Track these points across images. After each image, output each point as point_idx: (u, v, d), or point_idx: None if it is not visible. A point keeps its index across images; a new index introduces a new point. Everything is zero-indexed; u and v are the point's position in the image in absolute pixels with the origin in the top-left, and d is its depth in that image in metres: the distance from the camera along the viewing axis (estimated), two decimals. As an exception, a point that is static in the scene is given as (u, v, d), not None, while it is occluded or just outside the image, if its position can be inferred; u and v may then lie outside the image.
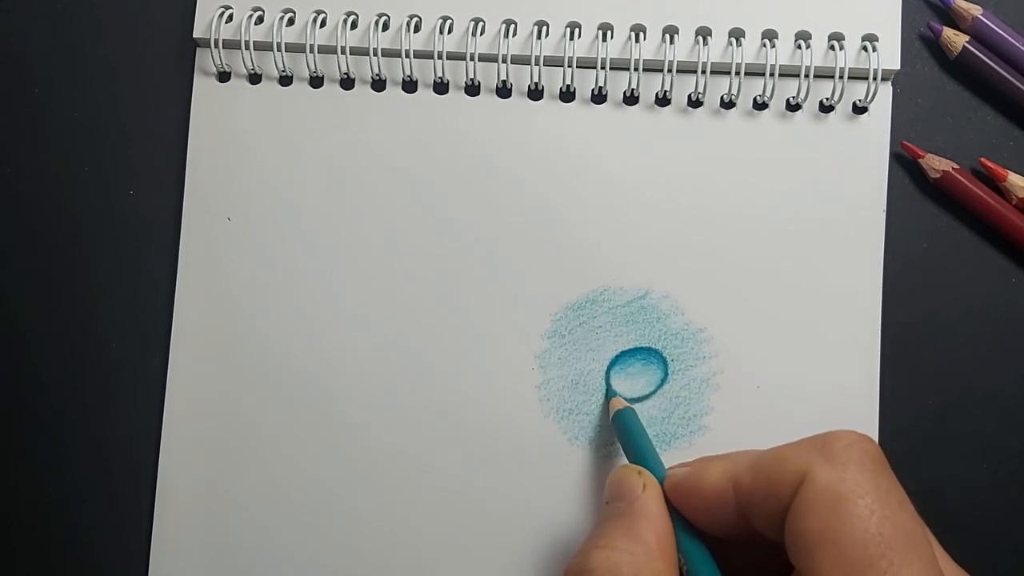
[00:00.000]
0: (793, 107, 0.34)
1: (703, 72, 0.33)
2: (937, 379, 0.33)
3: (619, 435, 0.31)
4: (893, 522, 0.22)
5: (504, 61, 0.33)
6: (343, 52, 0.34)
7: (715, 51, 0.33)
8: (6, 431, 0.35)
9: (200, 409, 0.34)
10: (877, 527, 0.21)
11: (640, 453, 0.29)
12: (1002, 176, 0.33)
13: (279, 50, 0.34)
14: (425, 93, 0.34)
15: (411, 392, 0.34)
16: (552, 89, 0.34)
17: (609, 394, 0.33)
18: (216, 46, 0.34)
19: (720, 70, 0.33)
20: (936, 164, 0.33)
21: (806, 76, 0.33)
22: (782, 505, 0.23)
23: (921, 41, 0.34)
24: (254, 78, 0.35)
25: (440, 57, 0.33)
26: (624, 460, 0.33)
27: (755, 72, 0.33)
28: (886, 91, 0.34)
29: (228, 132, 0.34)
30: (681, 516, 0.26)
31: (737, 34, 0.33)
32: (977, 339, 0.33)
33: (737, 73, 0.33)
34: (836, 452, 0.23)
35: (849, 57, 0.33)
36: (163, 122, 0.35)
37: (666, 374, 0.33)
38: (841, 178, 0.33)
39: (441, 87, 0.34)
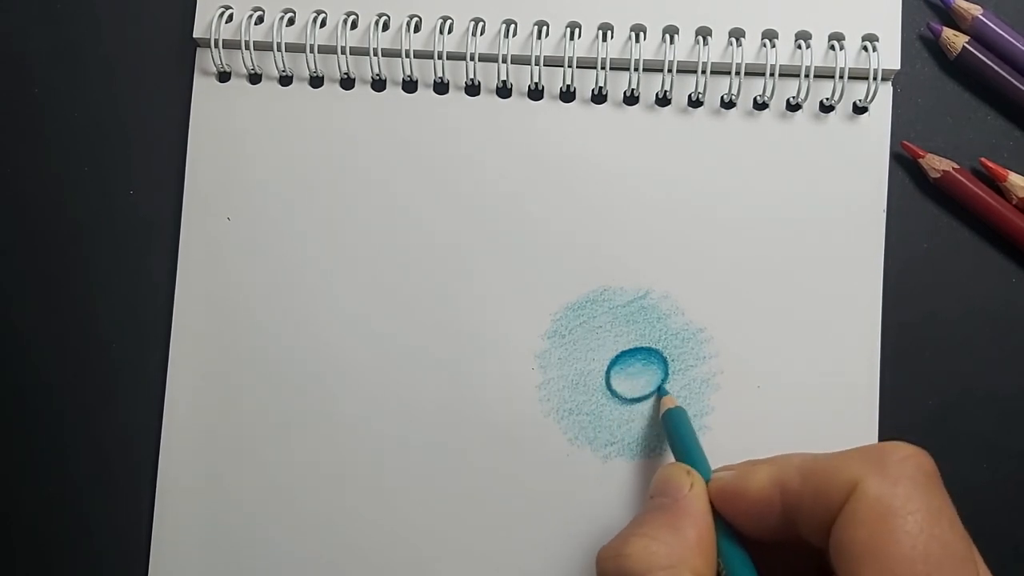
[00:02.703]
0: (793, 107, 0.34)
1: (703, 72, 0.33)
2: (937, 379, 0.33)
3: (668, 433, 0.31)
4: (941, 542, 0.21)
5: (504, 61, 0.33)
6: (343, 52, 0.34)
7: (715, 51, 0.33)
8: (6, 431, 0.35)
9: (200, 409, 0.34)
10: (925, 545, 0.21)
11: (688, 453, 0.29)
12: (1002, 176, 0.33)
13: (279, 50, 0.34)
14: (425, 93, 0.34)
15: (411, 392, 0.34)
16: (552, 89, 0.34)
17: (660, 392, 0.33)
18: (216, 46, 0.34)
19: (720, 70, 0.33)
20: (936, 164, 0.33)
21: (806, 76, 0.33)
22: (830, 513, 0.23)
23: (921, 41, 0.34)
24: (254, 78, 0.35)
25: (440, 57, 0.33)
26: (627, 463, 0.33)
27: (755, 72, 0.33)
28: (886, 91, 0.34)
29: (228, 132, 0.34)
30: (724, 520, 0.26)
31: (737, 34, 0.33)
32: (977, 339, 0.33)
33: (737, 73, 0.33)
34: (890, 465, 0.23)
35: (849, 57, 0.33)
36: (163, 122, 0.35)
37: (666, 374, 0.33)
38: (841, 178, 0.33)
39: (441, 87, 0.34)
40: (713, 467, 0.27)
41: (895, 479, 0.22)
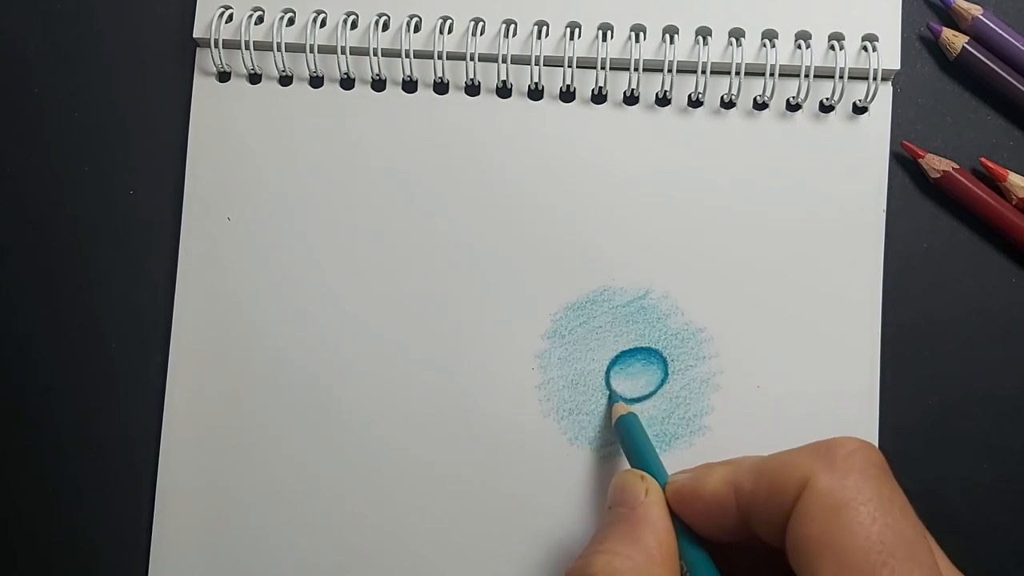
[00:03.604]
0: (793, 107, 0.34)
1: (703, 72, 0.33)
2: (937, 379, 0.33)
3: (621, 441, 0.31)
4: (895, 530, 0.21)
5: (504, 61, 0.33)
6: (343, 52, 0.34)
7: (715, 51, 0.33)
8: (6, 431, 0.35)
9: (200, 409, 0.34)
10: (879, 535, 0.21)
11: (643, 459, 0.29)
12: (1002, 176, 0.33)
13: (279, 50, 0.34)
14: (425, 93, 0.34)
15: (411, 392, 0.34)
16: (552, 89, 0.34)
17: (612, 399, 0.33)
18: (216, 46, 0.34)
19: (720, 70, 0.33)
20: (936, 164, 0.33)
21: (806, 76, 0.33)
22: (784, 511, 0.23)
23: (921, 41, 0.34)
24: (254, 78, 0.35)
25: (440, 57, 0.33)
26: (625, 463, 0.33)
27: (755, 72, 0.33)
28: (886, 91, 0.34)
29: (228, 132, 0.34)
30: (683, 523, 0.26)
31: (737, 34, 0.33)
32: (977, 339, 0.33)
33: (737, 73, 0.33)
34: (839, 459, 0.23)
35: (849, 57, 0.33)
36: (163, 122, 0.35)
37: (666, 374, 0.33)
38: (841, 178, 0.33)
39: (441, 87, 0.34)
40: None
41: (844, 472, 0.22)
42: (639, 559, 0.25)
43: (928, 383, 0.33)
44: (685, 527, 0.26)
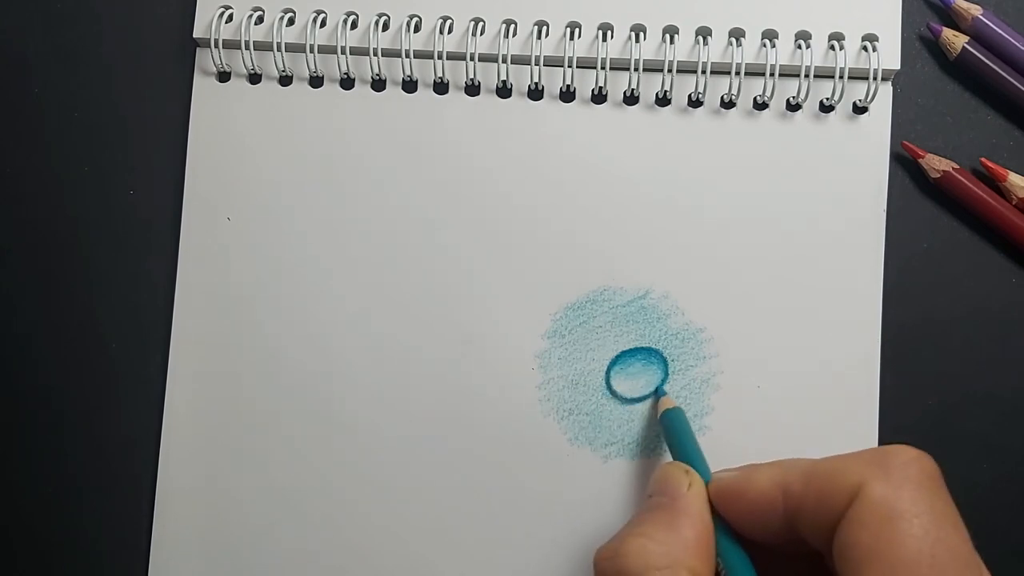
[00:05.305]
0: (793, 107, 0.34)
1: (703, 72, 0.33)
2: (937, 379, 0.33)
3: (666, 434, 0.31)
4: (947, 545, 0.21)
5: (504, 61, 0.33)
6: (343, 52, 0.34)
7: (715, 51, 0.33)
8: (6, 431, 0.35)
9: (200, 409, 0.34)
10: (930, 548, 0.21)
11: (687, 454, 0.29)
12: (1002, 176, 0.33)
13: (279, 50, 0.34)
14: (425, 93, 0.34)
15: (411, 392, 0.34)
16: (552, 89, 0.34)
17: (659, 392, 0.33)
18: (216, 46, 0.34)
19: (720, 70, 0.33)
20: (936, 164, 0.33)
21: (806, 76, 0.33)
22: (833, 516, 0.23)
23: (921, 41, 0.34)
24: (254, 78, 0.35)
25: (440, 57, 0.33)
26: (626, 463, 0.33)
27: (755, 72, 0.33)
28: (886, 91, 0.34)
29: (228, 132, 0.34)
30: (723, 522, 0.26)
31: (737, 34, 0.33)
32: (977, 339, 0.33)
33: (737, 73, 0.33)
34: (894, 468, 0.23)
35: (849, 57, 0.33)
36: (163, 122, 0.35)
37: (666, 374, 0.33)
38: (841, 178, 0.33)
39: (441, 87, 0.34)
40: (712, 468, 0.28)
41: (899, 482, 0.22)
42: (674, 547, 0.24)
43: (928, 383, 0.33)
44: (725, 527, 0.26)
